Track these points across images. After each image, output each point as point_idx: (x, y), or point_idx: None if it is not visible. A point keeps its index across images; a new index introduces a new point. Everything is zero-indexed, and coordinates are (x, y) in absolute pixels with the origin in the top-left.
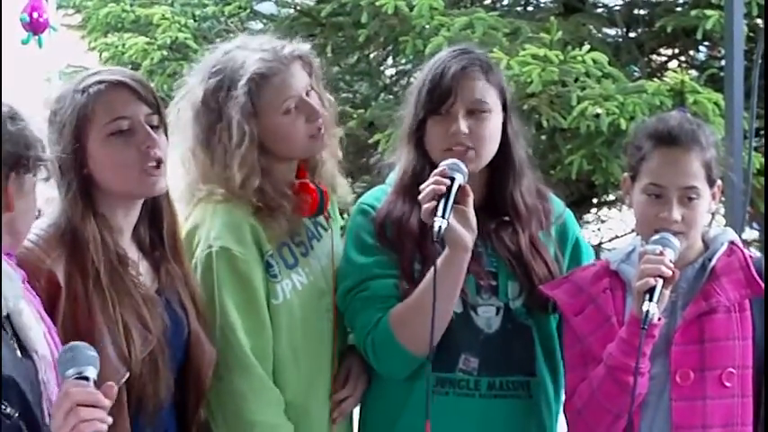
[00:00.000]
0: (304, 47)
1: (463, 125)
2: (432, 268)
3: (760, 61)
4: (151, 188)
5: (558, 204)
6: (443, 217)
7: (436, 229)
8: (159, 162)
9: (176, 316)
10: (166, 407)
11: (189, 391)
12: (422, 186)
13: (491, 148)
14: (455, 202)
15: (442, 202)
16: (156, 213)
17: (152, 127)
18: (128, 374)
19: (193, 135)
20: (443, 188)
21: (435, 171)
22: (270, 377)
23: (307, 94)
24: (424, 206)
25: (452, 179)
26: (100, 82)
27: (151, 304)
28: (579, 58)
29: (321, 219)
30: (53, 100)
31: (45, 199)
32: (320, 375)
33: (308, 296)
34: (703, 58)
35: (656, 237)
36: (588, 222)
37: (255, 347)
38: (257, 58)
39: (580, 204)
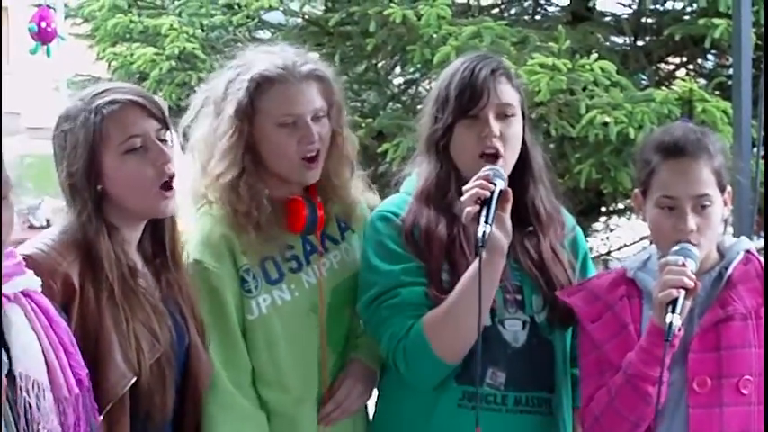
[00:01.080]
0: (328, 71)
1: (495, 128)
2: (464, 275)
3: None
4: (164, 210)
5: (569, 218)
6: (487, 222)
7: (480, 234)
8: (172, 178)
9: (178, 325)
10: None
11: (186, 402)
12: (465, 188)
13: (516, 152)
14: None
15: (485, 207)
16: (158, 223)
17: (161, 141)
18: (134, 379)
19: (208, 124)
20: (488, 193)
21: (478, 175)
22: (246, 389)
23: (315, 119)
24: (467, 209)
25: (494, 185)
26: (113, 102)
27: (160, 315)
28: (587, 67)
29: (333, 233)
30: (61, 118)
31: (52, 209)
32: (309, 389)
33: (290, 312)
34: (711, 67)
35: (677, 248)
36: (597, 231)
37: (226, 361)
38: (270, 61)
39: (589, 213)
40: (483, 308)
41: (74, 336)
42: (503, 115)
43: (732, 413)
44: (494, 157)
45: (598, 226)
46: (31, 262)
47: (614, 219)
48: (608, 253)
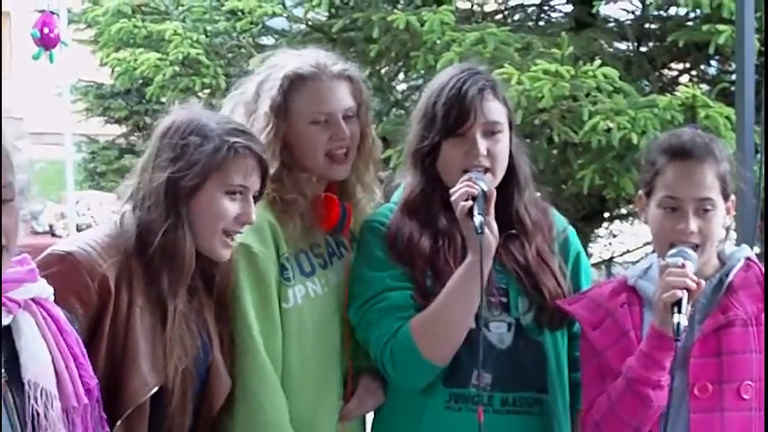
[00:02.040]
0: (358, 72)
1: (482, 146)
2: (452, 277)
3: None
4: (222, 255)
5: (559, 220)
6: (480, 214)
7: (477, 223)
8: (236, 233)
9: (203, 343)
10: None
11: (201, 419)
12: (452, 190)
13: (504, 166)
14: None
15: (476, 203)
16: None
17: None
18: (156, 388)
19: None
20: (476, 191)
21: (463, 178)
22: (279, 379)
23: (346, 117)
24: (461, 204)
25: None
26: (248, 148)
27: (192, 334)
28: (590, 73)
29: (344, 239)
30: (190, 128)
31: (53, 214)
32: (329, 390)
33: (321, 307)
34: (714, 73)
35: (674, 251)
36: (600, 237)
37: (267, 348)
38: (302, 60)
39: (591, 219)
40: (465, 309)
41: (103, 338)
42: (490, 133)
43: (733, 418)
44: (482, 174)
45: (601, 231)
46: (71, 259)
47: (617, 224)
48: (611, 258)
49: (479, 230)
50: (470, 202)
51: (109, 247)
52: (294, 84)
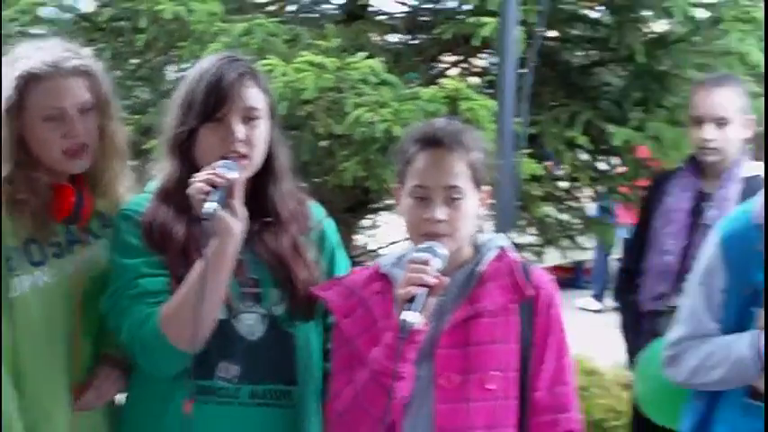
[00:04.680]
0: (96, 66)
1: (240, 132)
2: (195, 264)
3: (533, 65)
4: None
5: (317, 211)
6: (215, 201)
7: (206, 209)
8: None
9: None
10: None
11: None
12: (197, 175)
13: (262, 153)
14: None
15: (216, 190)
16: None
17: None
18: None
19: None
20: (219, 180)
21: (208, 170)
22: (12, 371)
23: (81, 112)
24: (196, 185)
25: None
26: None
27: None
28: (355, 65)
29: (96, 227)
30: None
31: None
32: (61, 381)
33: (50, 297)
34: (485, 65)
35: (424, 245)
36: (364, 228)
37: None
38: (40, 58)
39: (356, 210)
40: (212, 295)
41: None
42: (248, 119)
43: (478, 408)
44: (239, 161)
45: (366, 222)
46: None
47: (382, 215)
48: (375, 250)
49: (204, 217)
50: (207, 188)
51: None
52: (29, 83)
